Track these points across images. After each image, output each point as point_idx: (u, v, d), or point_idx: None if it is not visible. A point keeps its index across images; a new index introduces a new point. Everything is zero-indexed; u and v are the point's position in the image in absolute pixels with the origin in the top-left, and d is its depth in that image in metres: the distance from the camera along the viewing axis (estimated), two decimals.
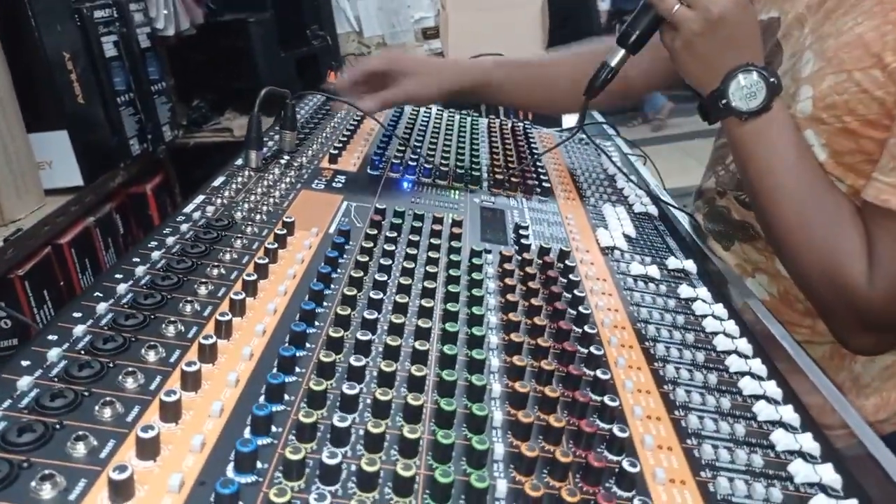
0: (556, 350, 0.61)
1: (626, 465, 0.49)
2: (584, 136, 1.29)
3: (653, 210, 1.00)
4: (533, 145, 1.20)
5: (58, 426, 0.46)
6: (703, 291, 0.78)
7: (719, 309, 0.75)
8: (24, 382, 0.49)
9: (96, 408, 0.48)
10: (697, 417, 0.58)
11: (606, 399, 0.55)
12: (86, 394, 0.49)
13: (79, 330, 0.56)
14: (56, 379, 0.51)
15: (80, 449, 0.44)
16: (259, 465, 0.46)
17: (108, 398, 0.48)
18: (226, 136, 1.99)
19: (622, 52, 0.86)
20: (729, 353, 0.67)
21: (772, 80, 0.79)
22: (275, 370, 0.53)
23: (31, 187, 1.42)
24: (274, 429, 0.49)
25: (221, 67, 2.06)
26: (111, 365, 0.53)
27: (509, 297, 0.68)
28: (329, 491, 0.44)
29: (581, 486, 0.49)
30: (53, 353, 0.52)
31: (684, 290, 0.78)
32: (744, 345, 0.68)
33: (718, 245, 1.01)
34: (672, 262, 0.84)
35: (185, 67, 2.01)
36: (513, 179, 1.00)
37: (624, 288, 0.77)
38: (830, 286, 0.78)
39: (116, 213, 1.67)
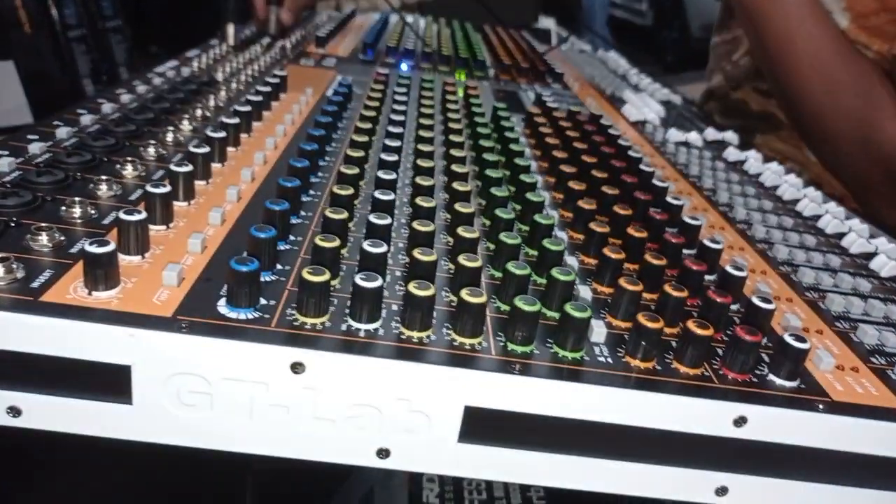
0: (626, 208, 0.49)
1: (790, 340, 0.34)
2: (586, 47, 1.22)
3: (676, 99, 0.92)
4: (533, 47, 1.11)
5: (12, 223, 0.35)
6: (752, 153, 0.69)
7: (774, 166, 0.66)
8: None
9: (62, 209, 0.37)
10: (786, 247, 0.49)
11: (730, 268, 0.40)
12: (47, 199, 0.39)
13: (35, 147, 0.45)
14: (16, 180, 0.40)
15: (43, 241, 0.34)
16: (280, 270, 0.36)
17: (76, 199, 0.38)
18: None
19: None
20: (797, 200, 0.59)
21: None
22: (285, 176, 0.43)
23: None
24: (292, 237, 0.39)
25: (180, 12, 1.92)
26: (77, 176, 0.42)
27: (548, 139, 0.58)
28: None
29: (723, 371, 0.34)
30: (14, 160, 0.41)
31: (732, 153, 0.70)
32: (812, 192, 0.60)
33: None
34: (711, 134, 0.75)
35: (142, 11, 1.87)
36: (522, 66, 0.90)
37: (665, 153, 0.68)
38: (864, 153, 0.72)
39: None
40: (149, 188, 0.37)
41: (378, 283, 0.32)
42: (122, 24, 1.68)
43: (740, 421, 0.32)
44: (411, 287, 0.32)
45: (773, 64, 0.77)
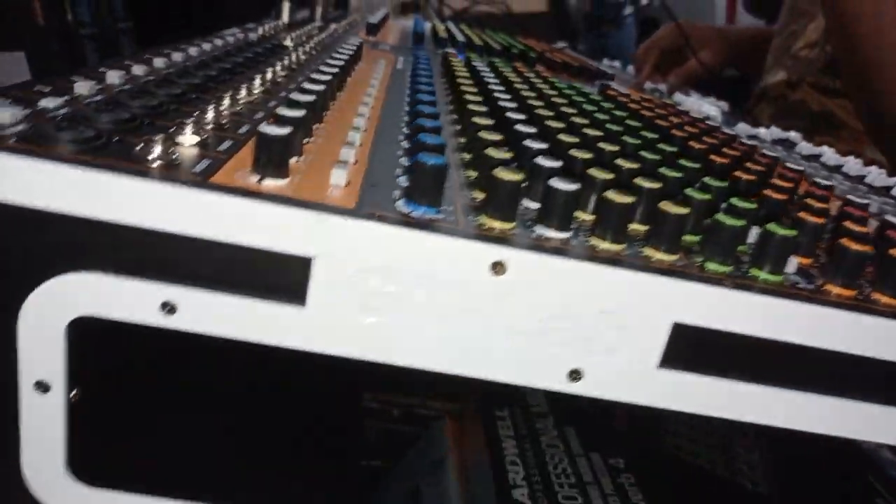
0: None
1: None
2: (616, 64, 1.21)
3: (723, 105, 0.91)
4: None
5: (145, 123, 0.32)
6: (825, 148, 0.69)
7: (852, 159, 0.66)
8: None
9: (195, 113, 0.34)
10: None
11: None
12: (171, 107, 0.35)
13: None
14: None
15: (189, 133, 0.30)
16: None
17: (209, 103, 0.34)
18: None
19: None
20: (889, 187, 0.58)
21: None
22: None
23: None
24: None
25: (187, 14, 1.89)
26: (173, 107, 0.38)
27: (649, 115, 0.57)
28: None
29: None
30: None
31: (805, 147, 0.69)
32: None
33: None
34: (775, 132, 0.75)
35: (147, 12, 1.84)
36: (572, 65, 0.89)
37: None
38: None
39: None
40: (291, 101, 0.34)
41: (576, 186, 0.29)
42: (131, 25, 1.65)
43: None
44: (611, 195, 0.29)
45: (861, 62, 0.75)
